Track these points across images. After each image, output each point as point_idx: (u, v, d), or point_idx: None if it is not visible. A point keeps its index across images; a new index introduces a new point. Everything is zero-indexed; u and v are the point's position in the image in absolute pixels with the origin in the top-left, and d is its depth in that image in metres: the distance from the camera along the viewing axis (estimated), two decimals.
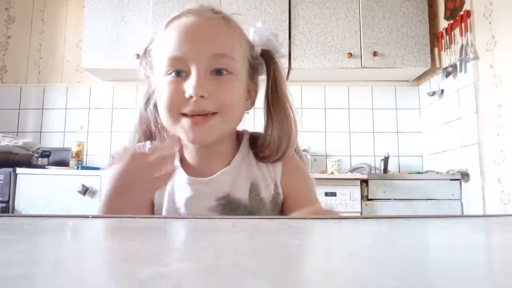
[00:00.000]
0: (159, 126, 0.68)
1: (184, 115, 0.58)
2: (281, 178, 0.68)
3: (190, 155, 0.68)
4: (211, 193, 0.65)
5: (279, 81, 0.67)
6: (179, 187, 0.65)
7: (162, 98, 0.60)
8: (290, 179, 0.69)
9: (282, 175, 0.68)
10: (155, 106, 0.68)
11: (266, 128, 0.67)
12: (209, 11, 0.62)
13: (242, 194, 0.65)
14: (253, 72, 0.67)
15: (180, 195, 0.65)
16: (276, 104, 0.67)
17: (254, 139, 0.70)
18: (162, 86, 0.60)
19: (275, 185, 0.68)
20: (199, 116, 0.58)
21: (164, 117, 0.61)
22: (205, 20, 0.60)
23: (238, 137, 0.71)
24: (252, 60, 0.66)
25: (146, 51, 0.67)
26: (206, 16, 0.61)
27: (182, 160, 0.68)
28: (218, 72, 0.59)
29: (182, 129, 0.59)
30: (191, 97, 0.56)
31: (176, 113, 0.59)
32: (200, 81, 0.57)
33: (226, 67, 0.59)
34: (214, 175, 0.65)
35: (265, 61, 0.68)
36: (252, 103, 0.69)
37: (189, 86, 0.57)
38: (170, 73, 0.59)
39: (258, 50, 0.67)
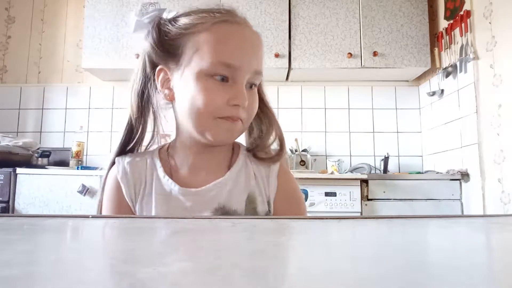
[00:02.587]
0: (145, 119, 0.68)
1: (221, 117, 0.61)
2: (275, 197, 0.68)
3: (182, 164, 0.67)
4: (206, 204, 0.63)
5: (264, 91, 0.71)
6: (170, 199, 0.64)
7: (200, 98, 0.60)
8: (282, 202, 0.68)
9: (276, 194, 0.68)
10: (149, 97, 0.67)
11: (267, 131, 0.69)
12: (245, 20, 0.65)
13: (238, 205, 0.65)
14: None
15: (173, 207, 0.63)
16: (264, 111, 0.70)
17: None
18: (198, 85, 0.60)
19: (268, 203, 0.67)
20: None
21: (195, 116, 0.61)
22: (254, 34, 0.64)
23: (235, 148, 0.71)
24: None
25: (160, 28, 0.63)
26: (251, 29, 0.65)
27: (171, 171, 0.67)
28: (250, 86, 0.63)
29: (212, 130, 0.61)
30: (236, 105, 0.60)
31: (212, 116, 0.60)
32: (244, 91, 0.61)
33: (257, 83, 0.65)
34: (208, 185, 0.64)
35: None
36: None
37: (237, 95, 0.60)
38: (213, 76, 0.60)
39: None
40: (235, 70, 0.60)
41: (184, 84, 0.62)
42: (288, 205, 0.69)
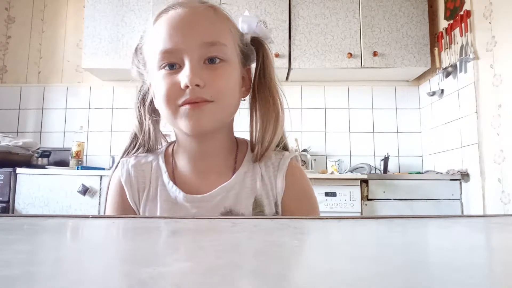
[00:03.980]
0: (149, 124, 0.68)
1: (182, 105, 0.58)
2: (283, 197, 0.65)
3: (186, 166, 0.66)
4: (212, 209, 0.62)
5: (267, 65, 0.66)
6: (176, 206, 0.63)
7: (159, 92, 0.60)
8: (292, 201, 0.65)
9: (284, 194, 0.65)
10: (151, 103, 0.67)
11: (251, 116, 0.66)
12: (195, 1, 0.62)
13: (245, 209, 0.63)
14: (245, 59, 0.66)
15: (178, 215, 0.62)
16: (262, 88, 0.65)
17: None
18: (157, 81, 0.60)
19: (276, 203, 0.65)
20: (196, 103, 0.57)
21: (163, 111, 0.61)
22: (192, 10, 0.60)
23: (240, 145, 0.69)
24: (243, 46, 0.66)
25: (137, 49, 0.67)
26: (192, 6, 0.61)
27: (175, 177, 0.65)
28: (211, 60, 0.59)
29: (182, 119, 0.58)
30: (186, 86, 0.56)
31: (174, 105, 0.58)
32: (194, 70, 0.57)
33: (218, 55, 0.59)
34: (214, 190, 0.63)
35: (254, 48, 0.67)
36: (247, 90, 0.68)
37: (183, 76, 0.57)
38: (164, 67, 0.59)
39: (247, 37, 0.66)
40: (178, 53, 0.58)
41: (152, 85, 0.64)
42: (298, 204, 0.65)
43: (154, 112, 0.68)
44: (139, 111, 0.69)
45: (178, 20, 0.59)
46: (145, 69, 0.66)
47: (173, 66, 0.59)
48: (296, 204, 0.65)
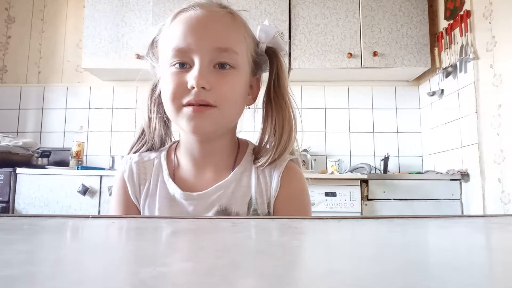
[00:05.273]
0: (157, 120, 0.69)
1: (186, 105, 0.59)
2: (276, 199, 0.65)
3: (187, 163, 0.67)
4: (208, 207, 0.63)
5: (282, 77, 0.67)
6: (174, 203, 0.64)
7: (166, 88, 0.61)
8: (280, 202, 0.65)
9: (278, 196, 0.65)
10: (159, 95, 0.68)
11: (265, 124, 0.67)
12: (216, 6, 0.63)
13: (240, 208, 0.64)
14: (256, 68, 0.67)
15: (176, 212, 0.64)
16: (277, 100, 0.66)
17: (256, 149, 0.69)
18: (166, 77, 0.61)
19: (268, 204, 0.65)
20: (200, 106, 0.58)
21: (167, 107, 0.62)
22: (211, 13, 0.61)
23: (241, 147, 0.70)
24: (256, 56, 0.66)
25: (153, 42, 0.68)
26: (212, 10, 0.62)
27: (175, 174, 0.67)
28: (221, 65, 0.60)
29: (183, 119, 0.59)
30: (193, 87, 0.57)
31: (179, 103, 0.59)
32: (202, 72, 0.58)
33: (228, 61, 0.60)
34: (211, 188, 0.64)
35: (269, 58, 0.68)
36: (254, 99, 0.69)
37: (191, 77, 0.57)
38: (174, 64, 0.60)
39: (263, 47, 0.67)
40: (190, 53, 0.59)
41: (161, 79, 0.65)
42: (287, 205, 0.65)
43: (160, 106, 0.68)
44: (148, 104, 0.70)
45: (195, 22, 0.60)
46: (157, 62, 0.67)
47: (184, 65, 0.60)
48: (284, 205, 0.65)
